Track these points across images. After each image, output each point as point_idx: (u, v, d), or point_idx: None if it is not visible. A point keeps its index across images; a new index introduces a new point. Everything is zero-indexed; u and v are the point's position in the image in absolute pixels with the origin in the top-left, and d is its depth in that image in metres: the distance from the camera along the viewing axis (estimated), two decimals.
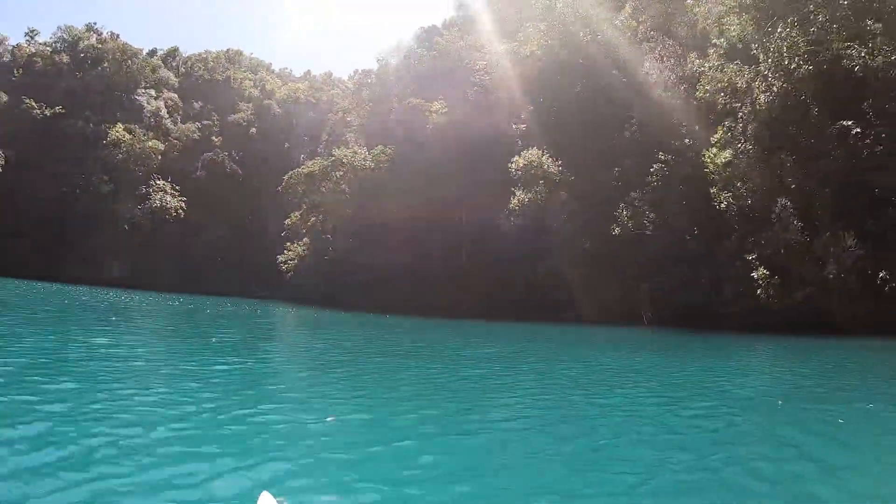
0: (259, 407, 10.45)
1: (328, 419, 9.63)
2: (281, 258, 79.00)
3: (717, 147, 41.32)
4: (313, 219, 75.12)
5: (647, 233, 44.86)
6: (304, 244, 76.99)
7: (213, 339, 24.16)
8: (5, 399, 9.21)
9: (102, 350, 17.30)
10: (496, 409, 11.63)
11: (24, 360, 13.91)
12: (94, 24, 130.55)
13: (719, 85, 43.40)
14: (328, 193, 70.07)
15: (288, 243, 79.87)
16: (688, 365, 21.62)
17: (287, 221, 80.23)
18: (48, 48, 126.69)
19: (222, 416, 9.39)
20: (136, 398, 10.30)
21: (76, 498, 5.45)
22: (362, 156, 67.65)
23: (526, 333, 35.92)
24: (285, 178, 78.84)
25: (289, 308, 59.82)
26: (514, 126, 59.98)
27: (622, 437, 9.56)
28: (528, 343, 30.05)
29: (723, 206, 40.46)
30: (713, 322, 38.73)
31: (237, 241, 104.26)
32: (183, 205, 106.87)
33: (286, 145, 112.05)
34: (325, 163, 72.32)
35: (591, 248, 48.64)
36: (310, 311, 55.34)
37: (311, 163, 77.48)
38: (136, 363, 15.25)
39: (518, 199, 51.52)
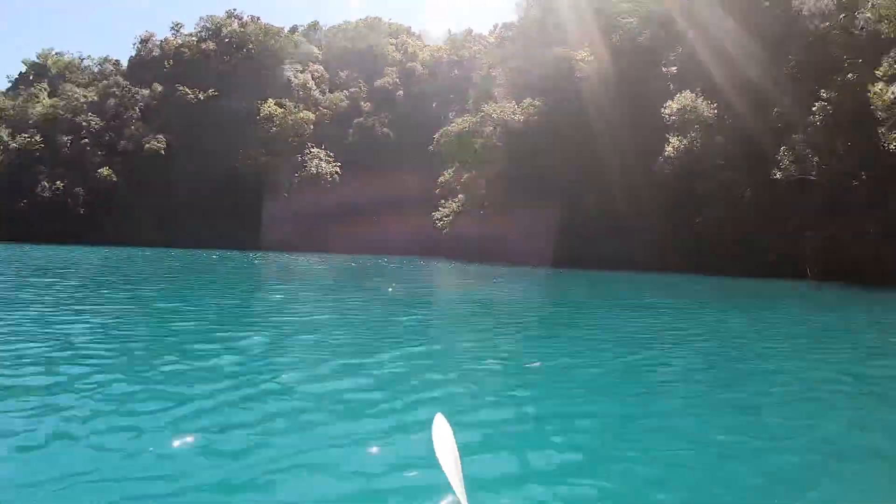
0: (441, 350, 11.18)
1: (534, 364, 9.86)
2: (436, 215, 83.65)
3: (883, 81, 38.12)
4: (466, 175, 77.13)
5: (811, 177, 42.59)
6: (458, 200, 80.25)
7: (389, 289, 25.60)
8: (201, 351, 10.02)
9: (282, 306, 19.01)
10: (676, 360, 11.23)
11: (212, 316, 15.54)
12: (234, 10, 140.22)
13: (883, 11, 40.31)
14: (480, 150, 71.20)
15: (442, 200, 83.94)
16: (870, 323, 19.95)
17: (440, 179, 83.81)
18: (194, 38, 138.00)
19: (406, 359, 10.01)
20: (320, 346, 11.03)
21: (281, 446, 5.70)
22: (511, 110, 67.75)
23: (685, 285, 35.22)
24: (436, 136, 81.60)
25: (448, 263, 62.30)
26: (664, 69, 58.81)
27: (821, 389, 9.11)
28: (690, 295, 29.41)
29: (892, 147, 37.40)
30: (884, 276, 35.53)
31: (392, 201, 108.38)
32: (338, 170, 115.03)
33: (433, 105, 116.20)
34: (475, 119, 73.83)
35: (752, 196, 47.22)
36: (468, 265, 57.07)
37: (460, 120, 79.06)
38: (316, 316, 16.34)
39: (673, 146, 50.50)
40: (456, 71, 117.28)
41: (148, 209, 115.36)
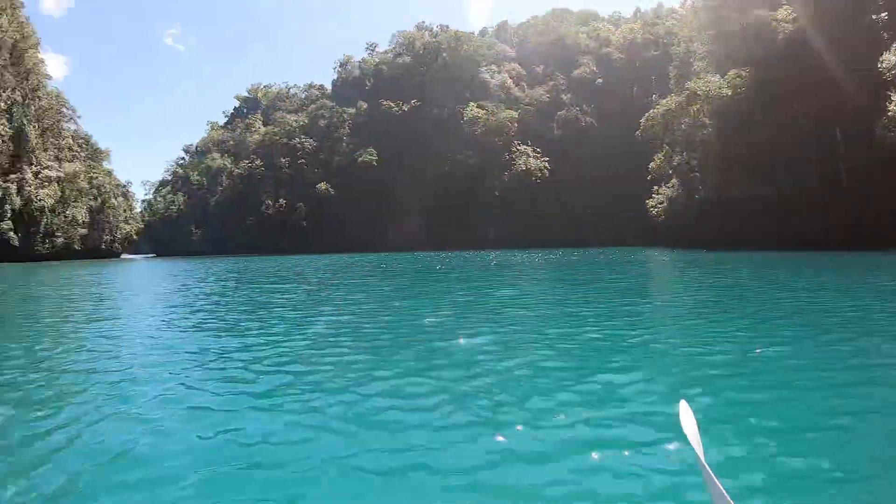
0: (666, 339, 11.02)
1: (757, 351, 9.36)
2: (650, 202, 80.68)
3: None
4: (678, 158, 75.01)
5: None
6: (672, 185, 76.94)
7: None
8: (444, 344, 10.54)
9: (511, 299, 19.41)
10: None
11: (447, 312, 15.82)
12: (423, 22, 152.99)
13: None
14: (689, 129, 69.92)
15: (655, 186, 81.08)
16: None
17: (651, 164, 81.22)
18: (390, 54, 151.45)
19: (634, 345, 10.26)
20: (558, 338, 11.04)
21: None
22: (716, 84, 65.45)
23: None
24: (642, 120, 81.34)
25: (664, 251, 60.50)
26: (872, 16, 54.71)
27: None
28: None
29: None
30: None
31: (605, 190, 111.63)
32: (546, 164, 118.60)
33: (634, 88, 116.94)
34: (679, 98, 71.94)
35: None
36: (686, 253, 53.85)
37: (664, 101, 78.06)
38: (547, 310, 16.52)
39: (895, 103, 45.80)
40: (653, 50, 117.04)
41: (364, 218, 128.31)
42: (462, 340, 10.89)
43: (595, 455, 5.09)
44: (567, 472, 4.79)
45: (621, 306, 16.38)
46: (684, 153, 73.83)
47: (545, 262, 45.25)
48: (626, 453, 5.09)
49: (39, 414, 6.63)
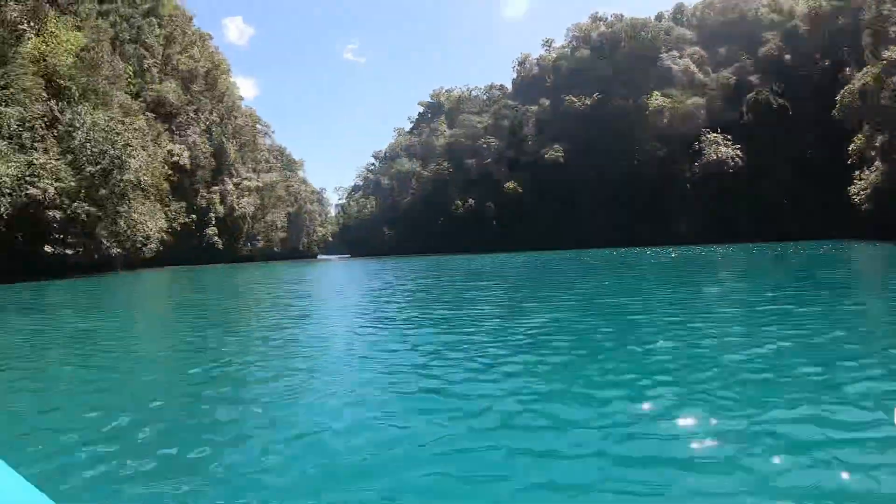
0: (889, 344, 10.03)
1: None
2: (852, 189, 74.66)
3: None
4: (880, 138, 68.99)
5: None
6: (876, 169, 70.29)
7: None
8: (656, 342, 10.39)
9: (718, 297, 19.36)
10: None
11: (658, 307, 16.10)
12: (597, 13, 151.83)
13: None
14: (890, 104, 64.64)
15: (857, 171, 75.25)
16: None
17: (851, 147, 76.10)
18: (567, 49, 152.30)
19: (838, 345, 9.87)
20: (764, 335, 10.76)
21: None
22: None
23: None
24: (838, 98, 77.34)
25: (872, 244, 56.02)
26: None
27: None
28: None
29: None
30: None
31: (801, 178, 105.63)
32: (738, 152, 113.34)
33: (826, 62, 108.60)
34: (876, 70, 67.72)
35: None
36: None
37: (860, 74, 73.69)
38: (752, 305, 16.03)
39: None
40: (840, 18, 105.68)
41: (553, 215, 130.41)
42: (672, 337, 10.89)
43: (813, 450, 5.12)
44: (787, 468, 4.82)
45: (836, 306, 15.46)
46: (887, 132, 67.82)
47: (745, 258, 44.10)
48: (847, 458, 4.92)
49: (244, 400, 7.50)
